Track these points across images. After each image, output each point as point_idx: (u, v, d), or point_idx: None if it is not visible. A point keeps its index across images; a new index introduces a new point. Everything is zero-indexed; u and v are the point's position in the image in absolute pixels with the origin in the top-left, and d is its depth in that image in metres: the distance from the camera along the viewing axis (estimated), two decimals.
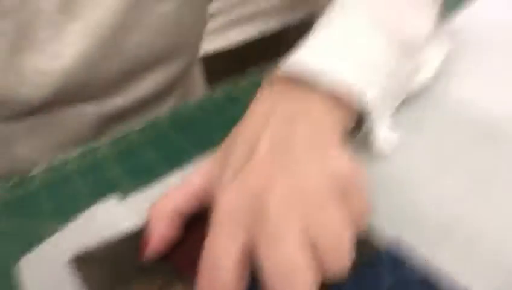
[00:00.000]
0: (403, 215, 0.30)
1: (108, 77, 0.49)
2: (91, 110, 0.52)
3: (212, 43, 0.92)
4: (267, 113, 0.29)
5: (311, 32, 0.34)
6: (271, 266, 0.23)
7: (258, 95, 0.32)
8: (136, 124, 0.44)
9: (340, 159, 0.27)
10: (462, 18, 0.48)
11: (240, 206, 0.25)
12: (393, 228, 0.29)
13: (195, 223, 0.29)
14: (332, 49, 0.33)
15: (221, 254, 0.24)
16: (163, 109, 0.57)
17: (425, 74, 0.38)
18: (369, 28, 0.34)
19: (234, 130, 0.30)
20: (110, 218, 0.32)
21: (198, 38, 0.60)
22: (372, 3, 0.36)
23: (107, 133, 0.54)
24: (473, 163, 0.34)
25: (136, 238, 0.29)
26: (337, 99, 0.31)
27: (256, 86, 0.32)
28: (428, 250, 0.28)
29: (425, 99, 0.39)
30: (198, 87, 0.67)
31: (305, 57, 0.32)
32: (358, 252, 0.27)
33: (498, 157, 0.34)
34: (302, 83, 0.31)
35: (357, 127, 0.34)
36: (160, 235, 0.28)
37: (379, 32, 0.34)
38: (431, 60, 0.39)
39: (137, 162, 0.39)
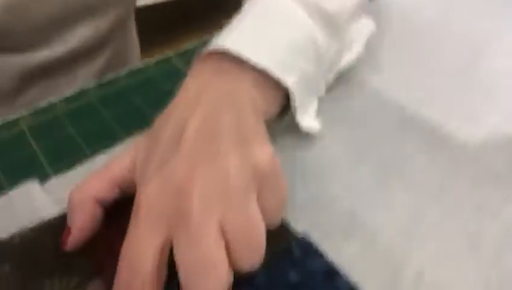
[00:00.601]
0: (317, 206, 0.32)
1: (34, 25, 0.46)
2: (14, 62, 0.49)
3: None
4: (198, 92, 0.30)
5: (237, 15, 0.35)
6: (187, 263, 0.24)
7: (191, 71, 0.32)
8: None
9: (262, 152, 0.28)
10: None
11: (162, 200, 0.26)
12: (306, 219, 0.31)
13: (117, 214, 0.30)
14: (255, 34, 0.33)
15: (140, 250, 0.25)
16: (94, 68, 0.55)
17: (351, 55, 0.39)
18: (293, 9, 0.34)
19: (166, 110, 0.30)
20: (28, 204, 0.31)
21: None
22: None
23: (30, 89, 0.52)
24: (383, 155, 0.36)
25: (52, 228, 0.30)
26: (261, 86, 0.31)
27: None
28: (335, 242, 0.30)
29: (346, 87, 0.40)
30: (133, 45, 0.64)
31: (228, 42, 0.32)
32: (271, 244, 0.30)
33: (402, 149, 0.36)
34: (230, 65, 0.31)
35: (284, 111, 0.35)
36: (79, 224, 0.28)
37: (302, 12, 0.34)
38: (356, 39, 0.39)
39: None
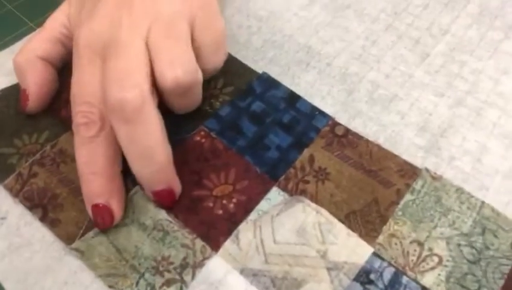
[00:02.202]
0: (274, 45, 0.33)
1: None
2: None
3: None
4: None
5: None
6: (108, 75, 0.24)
7: None
8: None
9: None
10: None
11: (96, 35, 0.25)
12: (265, 58, 0.32)
13: None
14: None
15: (86, 79, 0.25)
16: None
17: None
18: None
19: None
20: None
21: None
22: None
23: None
24: None
25: (13, 93, 0.29)
26: None
27: None
28: (294, 73, 0.31)
29: None
30: None
31: None
32: (234, 83, 0.31)
33: None
34: None
35: None
36: (33, 81, 0.28)
37: None
38: None
39: None
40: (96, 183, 0.25)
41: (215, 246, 0.24)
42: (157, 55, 0.24)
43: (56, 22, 0.29)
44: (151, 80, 0.24)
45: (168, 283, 0.23)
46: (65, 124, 0.28)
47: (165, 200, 0.25)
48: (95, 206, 0.24)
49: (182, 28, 0.26)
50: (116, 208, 0.25)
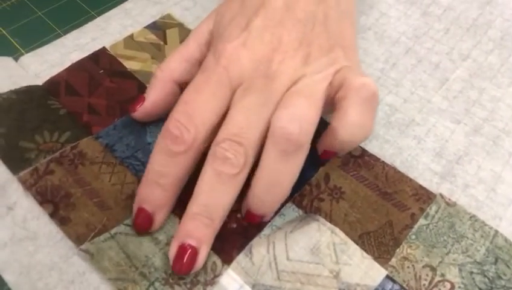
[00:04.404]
0: None
1: None
2: None
3: None
4: None
5: None
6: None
7: None
8: None
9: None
10: None
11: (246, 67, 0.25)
12: None
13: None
14: None
15: (204, 99, 0.25)
16: None
17: None
18: None
19: None
20: (6, 73, 0.31)
21: None
22: None
23: None
24: (357, 10, 0.37)
25: (38, 90, 0.30)
26: None
27: None
28: None
29: None
30: None
31: None
32: None
33: (378, 4, 0.37)
34: None
35: None
36: (153, 97, 0.28)
37: None
38: None
39: None
40: (157, 193, 0.24)
41: (228, 260, 0.24)
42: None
43: (199, 38, 0.29)
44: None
45: None
46: (86, 129, 0.29)
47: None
48: (141, 210, 0.25)
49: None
50: (158, 220, 0.25)
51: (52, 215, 0.25)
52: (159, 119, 0.29)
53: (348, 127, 0.24)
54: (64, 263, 0.24)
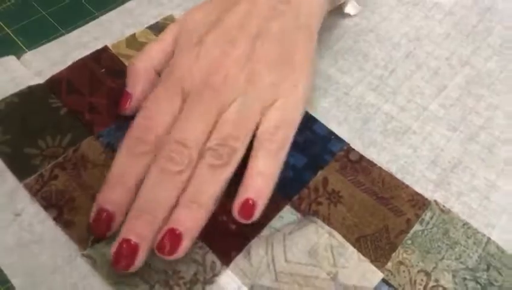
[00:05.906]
0: None
1: None
2: None
3: None
4: None
5: None
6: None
7: None
8: None
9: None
10: None
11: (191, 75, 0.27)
12: None
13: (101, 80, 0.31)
14: None
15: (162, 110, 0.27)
16: None
17: None
18: None
19: None
20: (8, 75, 0.31)
21: None
22: None
23: None
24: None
25: (39, 90, 0.30)
26: None
27: None
28: (313, 100, 0.32)
29: None
30: None
31: None
32: None
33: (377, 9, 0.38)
34: None
35: None
36: (140, 91, 0.29)
37: None
38: None
39: None
40: (119, 192, 0.25)
41: (227, 260, 0.25)
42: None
43: (173, 33, 0.31)
44: None
45: None
46: (87, 128, 0.29)
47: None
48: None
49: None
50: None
51: (56, 219, 0.26)
52: None
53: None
54: (67, 266, 0.24)
